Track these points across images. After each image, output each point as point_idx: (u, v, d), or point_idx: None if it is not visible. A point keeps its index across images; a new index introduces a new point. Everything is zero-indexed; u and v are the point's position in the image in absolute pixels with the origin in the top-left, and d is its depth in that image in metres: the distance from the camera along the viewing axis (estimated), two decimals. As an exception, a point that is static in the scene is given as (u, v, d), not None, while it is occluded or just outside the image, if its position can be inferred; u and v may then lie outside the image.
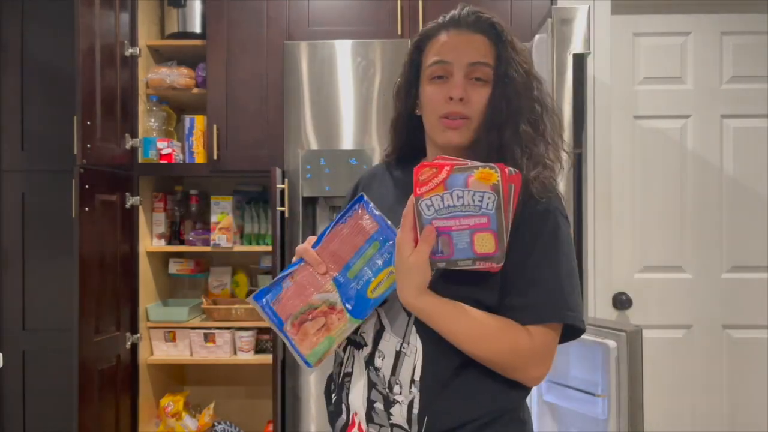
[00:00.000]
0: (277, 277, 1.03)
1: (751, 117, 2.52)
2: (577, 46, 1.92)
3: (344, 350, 1.09)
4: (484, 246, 0.91)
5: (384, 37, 2.40)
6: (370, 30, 2.45)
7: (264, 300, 1.03)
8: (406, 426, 1.00)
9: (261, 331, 2.65)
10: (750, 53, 2.52)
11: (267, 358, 2.52)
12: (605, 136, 2.48)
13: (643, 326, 1.99)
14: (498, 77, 1.04)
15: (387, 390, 1.02)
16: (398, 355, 1.02)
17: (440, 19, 1.09)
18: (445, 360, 1.00)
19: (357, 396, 1.05)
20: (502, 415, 1.02)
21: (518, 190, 0.95)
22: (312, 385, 2.29)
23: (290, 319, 1.01)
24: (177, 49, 2.69)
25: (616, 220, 2.51)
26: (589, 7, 1.96)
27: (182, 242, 2.76)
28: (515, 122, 1.02)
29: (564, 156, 1.07)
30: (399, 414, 1.00)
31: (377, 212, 1.01)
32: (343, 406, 1.07)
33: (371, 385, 1.03)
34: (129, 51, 2.51)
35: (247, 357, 2.61)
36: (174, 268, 2.79)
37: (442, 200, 0.91)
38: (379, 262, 0.99)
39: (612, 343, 1.91)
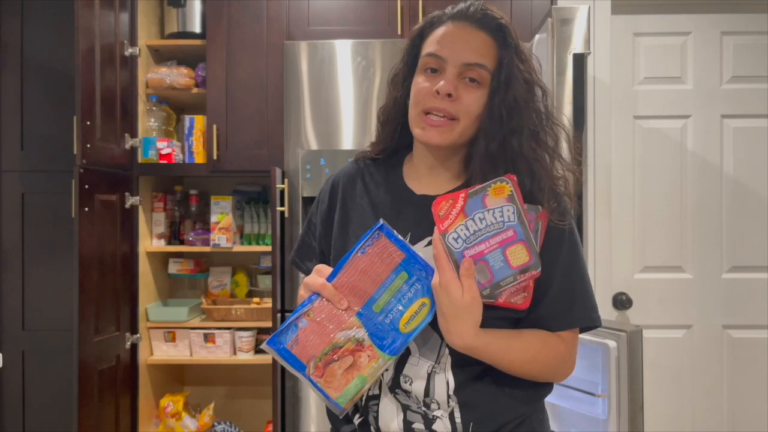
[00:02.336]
0: (290, 318, 0.93)
1: (751, 117, 2.52)
2: (577, 46, 1.92)
3: None
4: (519, 258, 0.90)
5: (384, 37, 2.39)
6: (370, 30, 2.45)
7: (280, 345, 0.92)
8: None
9: (261, 331, 2.65)
10: (750, 53, 2.52)
11: (267, 358, 2.52)
12: (605, 136, 2.48)
13: (643, 326, 1.99)
14: (497, 83, 0.98)
15: (424, 409, 0.98)
16: (430, 376, 0.98)
17: (448, 9, 1.02)
18: (477, 370, 0.99)
19: (390, 419, 1.00)
20: (534, 411, 1.05)
21: (545, 227, 0.96)
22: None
23: (313, 361, 0.92)
24: (177, 49, 2.69)
25: (616, 220, 2.51)
26: (589, 7, 1.96)
27: (182, 242, 2.76)
28: (517, 133, 0.97)
29: (571, 168, 1.03)
30: (443, 427, 0.98)
31: (401, 239, 0.93)
32: (372, 429, 1.02)
33: (404, 408, 0.99)
34: (129, 51, 2.51)
35: (247, 357, 2.61)
36: (174, 268, 2.79)
37: (467, 228, 0.90)
38: (410, 294, 0.92)
39: (612, 343, 1.90)
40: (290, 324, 0.93)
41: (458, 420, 0.98)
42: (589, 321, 1.03)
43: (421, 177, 1.07)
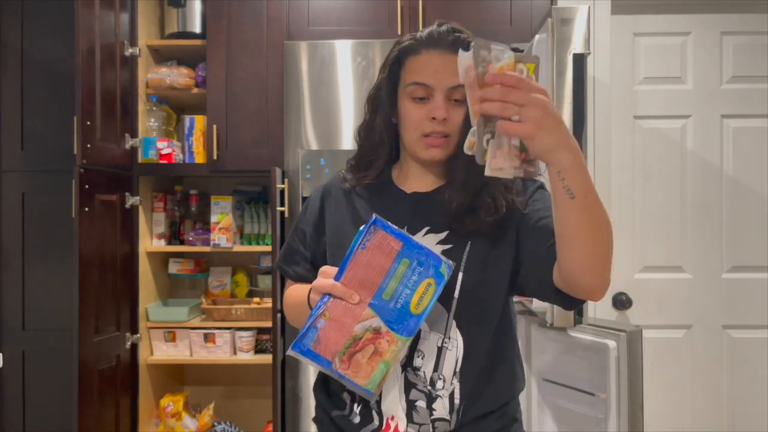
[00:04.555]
0: (308, 322, 0.98)
1: (751, 117, 2.52)
2: (577, 46, 1.92)
3: None
4: None
5: (384, 37, 2.40)
6: (369, 30, 2.45)
7: (303, 347, 0.98)
8: (447, 417, 1.07)
9: (261, 331, 2.65)
10: (750, 53, 2.52)
11: (267, 358, 2.52)
12: (605, 136, 2.48)
13: (643, 326, 1.99)
14: None
15: (429, 387, 1.06)
16: (440, 350, 1.07)
17: (418, 35, 1.11)
18: (479, 347, 1.09)
19: (393, 401, 1.07)
20: (514, 398, 1.16)
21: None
22: (311, 386, 2.29)
23: (337, 356, 0.98)
24: (177, 49, 2.69)
25: (616, 220, 2.51)
26: (589, 7, 1.96)
27: (182, 242, 2.76)
28: None
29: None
30: (441, 407, 1.06)
31: (396, 228, 1.00)
32: (374, 413, 1.08)
33: (409, 386, 1.07)
34: (129, 51, 2.51)
35: (247, 357, 2.61)
36: (174, 268, 2.79)
37: None
38: (415, 278, 0.98)
39: (612, 343, 1.90)
40: (309, 327, 0.98)
41: (456, 400, 1.07)
42: None
43: (410, 179, 1.18)
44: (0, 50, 2.73)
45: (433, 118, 1.07)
